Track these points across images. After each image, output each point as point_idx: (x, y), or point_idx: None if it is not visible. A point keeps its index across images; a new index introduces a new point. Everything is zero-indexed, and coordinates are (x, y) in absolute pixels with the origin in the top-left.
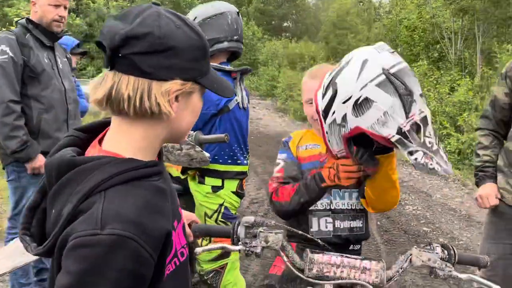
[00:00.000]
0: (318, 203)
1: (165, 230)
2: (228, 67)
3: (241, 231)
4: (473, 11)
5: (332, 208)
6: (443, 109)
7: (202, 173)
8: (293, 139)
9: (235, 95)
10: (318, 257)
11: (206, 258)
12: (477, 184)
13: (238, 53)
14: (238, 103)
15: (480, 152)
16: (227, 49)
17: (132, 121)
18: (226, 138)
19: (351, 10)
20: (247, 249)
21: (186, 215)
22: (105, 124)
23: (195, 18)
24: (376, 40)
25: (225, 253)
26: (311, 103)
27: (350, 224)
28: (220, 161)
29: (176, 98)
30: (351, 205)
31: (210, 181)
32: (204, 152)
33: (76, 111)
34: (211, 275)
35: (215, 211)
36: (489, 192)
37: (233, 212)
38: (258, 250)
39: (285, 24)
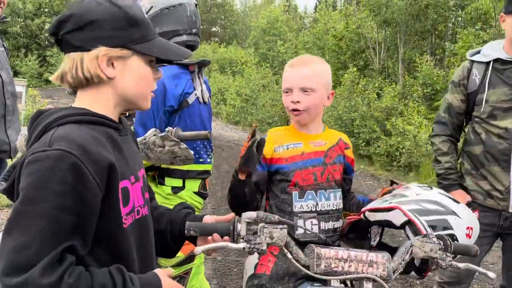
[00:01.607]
0: (304, 204)
1: (107, 160)
2: (186, 60)
3: (242, 227)
4: (395, 23)
5: (318, 209)
6: (371, 114)
7: (162, 173)
8: (268, 137)
9: (194, 89)
10: (325, 252)
11: (169, 264)
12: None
13: (195, 47)
14: (197, 97)
15: (441, 158)
16: (185, 42)
17: (83, 91)
18: (208, 135)
19: (280, 18)
20: (252, 246)
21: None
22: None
23: (151, 7)
24: (304, 48)
25: (190, 258)
26: (287, 92)
27: (334, 225)
28: None
29: (112, 64)
30: (335, 205)
31: (170, 182)
32: (189, 149)
33: (14, 106)
34: (175, 281)
35: None
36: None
37: (197, 213)
38: (264, 247)
39: (213, 29)
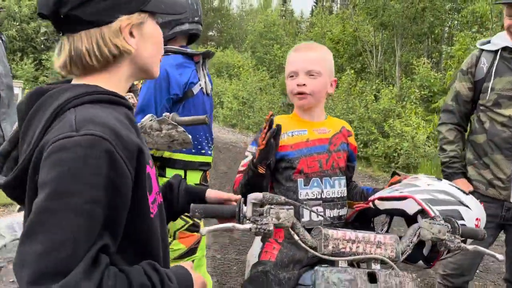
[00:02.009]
0: (309, 192)
1: (136, 144)
2: (191, 50)
3: (248, 209)
4: (392, 26)
5: (323, 197)
6: (369, 116)
7: (163, 164)
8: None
9: (199, 79)
10: (333, 233)
11: (171, 256)
12: (448, 180)
13: (197, 36)
14: (202, 88)
15: (446, 147)
16: (188, 31)
17: (95, 72)
18: (206, 119)
19: (277, 22)
20: (258, 227)
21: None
22: (68, 82)
23: None
24: None
25: (192, 250)
26: (292, 76)
27: (339, 212)
28: (183, 150)
29: (131, 34)
30: (340, 192)
31: (172, 173)
32: (186, 133)
33: (10, 99)
34: None
35: None
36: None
37: None
38: (271, 227)
39: (210, 33)
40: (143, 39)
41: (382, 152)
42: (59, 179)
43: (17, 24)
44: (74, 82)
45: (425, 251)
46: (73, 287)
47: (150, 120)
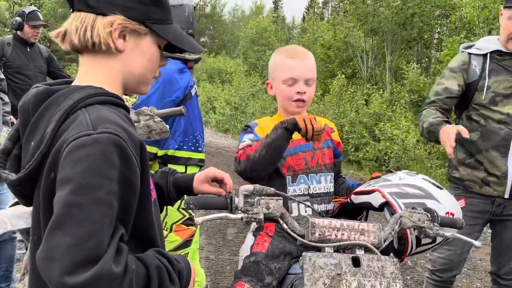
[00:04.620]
0: (297, 188)
1: (140, 140)
2: (189, 56)
3: (239, 200)
4: (382, 32)
5: (310, 192)
6: (360, 120)
7: (165, 161)
8: (259, 125)
9: (194, 83)
10: (319, 221)
11: (166, 249)
12: (435, 137)
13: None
14: (196, 91)
15: (426, 119)
16: (178, 55)
17: (89, 62)
18: (183, 111)
19: (268, 28)
20: (249, 216)
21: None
22: (69, 82)
23: None
24: None
25: (186, 242)
26: (290, 82)
27: (326, 207)
28: (185, 147)
29: (124, 37)
30: (326, 188)
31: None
32: (163, 122)
33: None
34: None
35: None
36: (450, 134)
37: None
38: (261, 216)
39: (202, 39)
40: (136, 49)
41: (373, 156)
42: (83, 174)
43: (8, 30)
44: (76, 82)
45: (395, 244)
46: (106, 272)
47: (131, 113)
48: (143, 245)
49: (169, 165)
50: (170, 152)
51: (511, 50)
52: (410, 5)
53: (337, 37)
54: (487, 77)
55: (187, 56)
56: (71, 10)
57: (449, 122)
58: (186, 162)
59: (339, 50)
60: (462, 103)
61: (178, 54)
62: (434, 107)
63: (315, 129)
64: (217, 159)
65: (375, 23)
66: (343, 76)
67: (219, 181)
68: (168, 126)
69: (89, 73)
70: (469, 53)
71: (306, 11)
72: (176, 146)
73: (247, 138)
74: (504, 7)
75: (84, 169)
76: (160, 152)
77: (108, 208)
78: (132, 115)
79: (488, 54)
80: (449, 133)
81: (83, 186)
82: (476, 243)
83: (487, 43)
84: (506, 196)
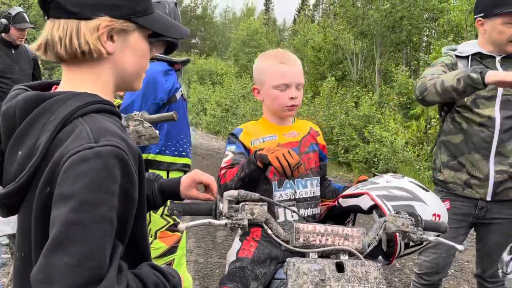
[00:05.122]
0: (283, 193)
1: (137, 150)
2: (173, 58)
3: (224, 205)
4: (371, 35)
5: (297, 197)
6: (350, 122)
7: (147, 166)
8: (244, 131)
9: (180, 86)
10: (304, 226)
11: (152, 255)
12: (483, 78)
13: (175, 46)
14: (182, 94)
15: (446, 79)
16: (164, 39)
17: (77, 68)
18: (174, 116)
19: (259, 30)
20: (233, 222)
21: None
22: (50, 84)
23: None
24: None
25: (172, 249)
26: (282, 88)
27: (312, 211)
28: (167, 152)
29: (112, 38)
30: (312, 192)
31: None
32: (153, 128)
33: None
34: None
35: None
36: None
37: None
38: (245, 222)
39: (193, 40)
40: (125, 48)
41: (362, 157)
42: (85, 190)
43: None
44: (63, 87)
45: (384, 247)
46: None
47: None
48: (136, 258)
49: (151, 170)
50: (151, 156)
51: (491, 53)
52: (399, 9)
53: (327, 40)
54: None
55: (174, 58)
56: (46, 18)
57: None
58: (169, 167)
59: (329, 52)
60: (446, 105)
61: (163, 56)
62: (440, 68)
63: (291, 165)
64: (208, 161)
65: (365, 26)
66: (333, 78)
67: (205, 186)
68: (158, 132)
69: (76, 81)
70: (456, 55)
71: (297, 13)
72: (157, 151)
73: (230, 151)
74: (496, 14)
75: (86, 184)
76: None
77: (110, 225)
78: (122, 121)
79: (470, 57)
80: (499, 73)
81: (84, 203)
82: (460, 247)
83: (468, 47)
84: (488, 198)
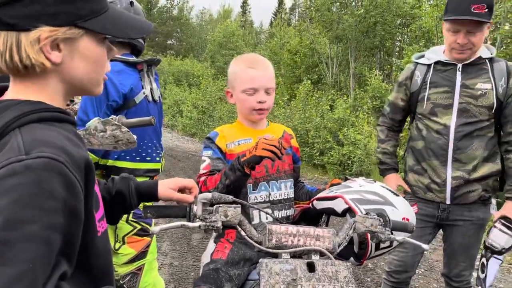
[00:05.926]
0: (258, 196)
1: (86, 160)
2: (132, 59)
3: (198, 208)
4: (346, 39)
5: (271, 199)
6: (325, 125)
7: (107, 172)
8: (220, 134)
9: (142, 87)
10: (276, 228)
11: (120, 261)
12: (382, 175)
13: (140, 47)
14: (146, 96)
15: (379, 145)
16: (115, 40)
17: (20, 82)
18: (152, 121)
19: (236, 32)
20: (207, 224)
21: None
22: (4, 88)
23: None
24: None
25: (142, 254)
26: (250, 92)
27: (286, 213)
28: (127, 157)
29: (58, 46)
30: (286, 194)
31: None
32: (130, 132)
33: None
34: (127, 278)
35: None
36: (391, 184)
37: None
38: (219, 224)
39: (169, 41)
40: (74, 55)
41: (337, 160)
42: (12, 207)
43: None
44: (7, 96)
45: (355, 248)
46: None
47: (98, 122)
48: (92, 282)
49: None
50: (110, 162)
51: (451, 60)
52: (373, 14)
53: (303, 43)
54: (427, 88)
55: (131, 58)
56: None
57: (395, 170)
58: (131, 173)
59: (305, 56)
60: (412, 112)
61: (120, 56)
62: (386, 126)
63: (277, 146)
64: (184, 164)
65: (340, 30)
66: (309, 81)
67: (187, 189)
68: (135, 137)
69: (21, 92)
70: (416, 63)
71: (274, 16)
72: (116, 156)
73: (207, 156)
74: (444, 20)
75: (13, 201)
76: (102, 161)
77: (44, 245)
78: (99, 125)
79: (432, 65)
80: (391, 183)
81: (11, 220)
82: (425, 246)
83: (433, 54)
84: (448, 202)
